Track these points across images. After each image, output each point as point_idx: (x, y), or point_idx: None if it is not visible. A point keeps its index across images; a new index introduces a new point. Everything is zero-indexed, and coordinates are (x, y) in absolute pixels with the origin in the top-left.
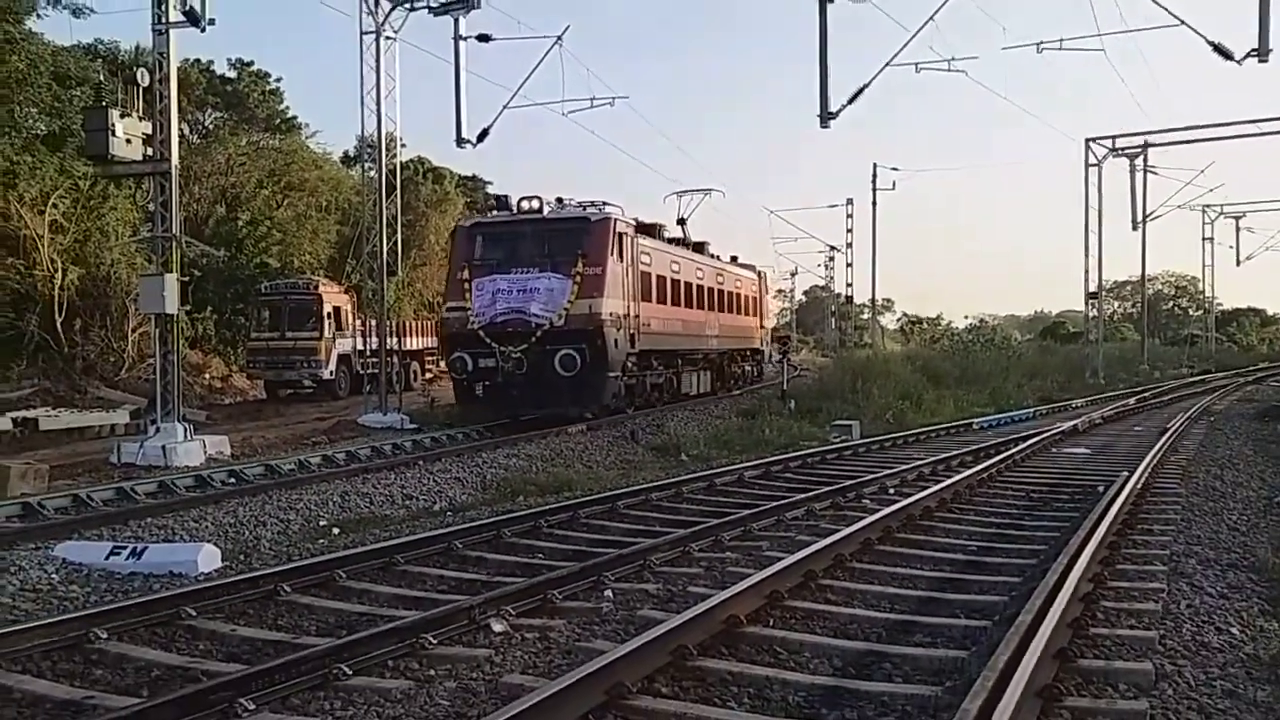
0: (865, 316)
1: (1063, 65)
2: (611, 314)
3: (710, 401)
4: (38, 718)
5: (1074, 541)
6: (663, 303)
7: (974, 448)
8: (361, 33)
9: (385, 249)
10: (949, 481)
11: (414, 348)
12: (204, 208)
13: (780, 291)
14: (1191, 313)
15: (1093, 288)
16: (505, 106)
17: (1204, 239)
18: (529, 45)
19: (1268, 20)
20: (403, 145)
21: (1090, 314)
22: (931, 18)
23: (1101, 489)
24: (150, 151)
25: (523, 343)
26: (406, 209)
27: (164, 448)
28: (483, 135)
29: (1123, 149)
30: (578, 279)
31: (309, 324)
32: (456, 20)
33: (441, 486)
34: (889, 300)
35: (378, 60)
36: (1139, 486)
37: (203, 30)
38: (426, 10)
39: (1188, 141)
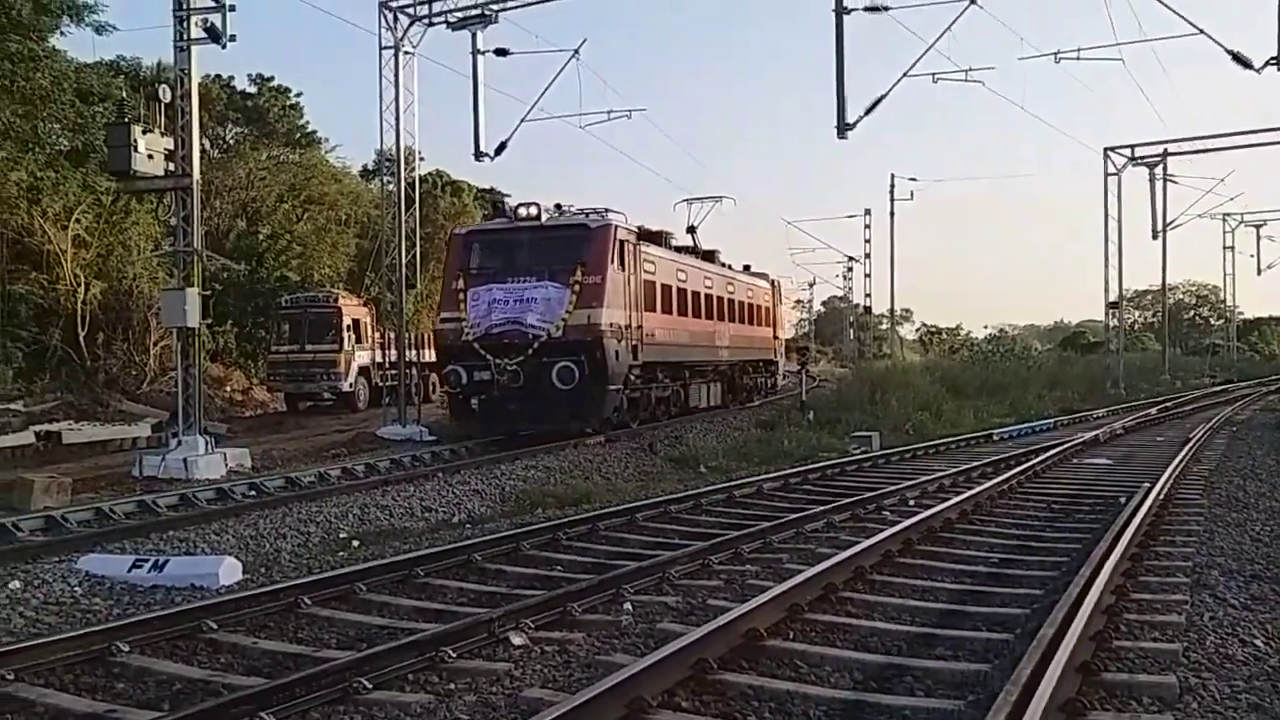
0: (884, 327)
1: (1081, 75)
2: (612, 324)
3: (725, 414)
4: None
5: (1096, 553)
6: (668, 312)
7: (994, 459)
8: (381, 48)
9: (404, 262)
10: (970, 493)
11: (433, 360)
12: (225, 222)
13: (799, 302)
14: (1213, 322)
15: (1113, 297)
16: (523, 120)
17: (1225, 248)
18: (546, 59)
19: None
20: (421, 159)
21: (1111, 324)
22: (948, 28)
23: (1123, 500)
24: (172, 167)
25: (519, 355)
26: (425, 222)
27: (185, 460)
28: (501, 148)
29: (1142, 158)
30: (576, 288)
31: (328, 337)
32: (474, 35)
33: (460, 499)
34: (908, 310)
35: (396, 75)
36: (1161, 497)
37: (223, 47)
38: (445, 25)
39: (1207, 150)
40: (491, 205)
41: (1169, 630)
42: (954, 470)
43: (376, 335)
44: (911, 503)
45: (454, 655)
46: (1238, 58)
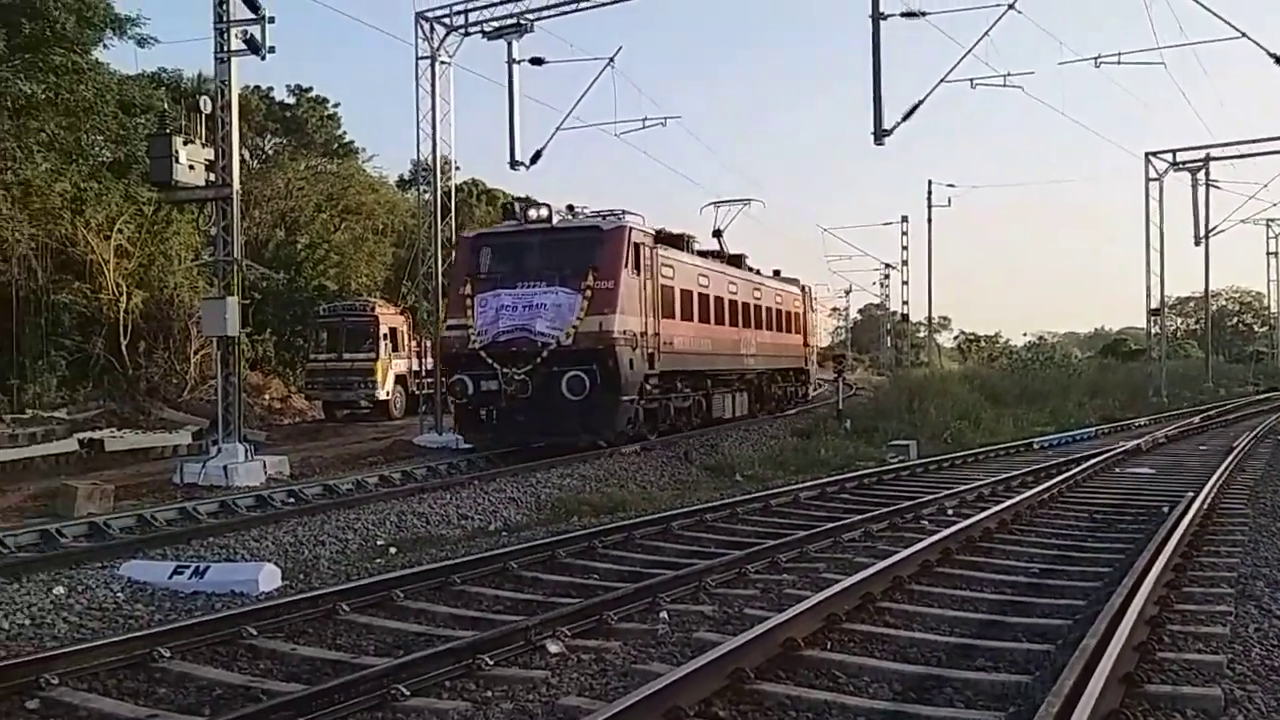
0: (922, 335)
1: (1121, 79)
2: (625, 332)
3: (760, 423)
4: None
5: (1139, 563)
6: (688, 319)
7: (1034, 468)
8: (417, 58)
9: (440, 270)
10: (1009, 502)
11: None
12: (264, 231)
13: (835, 310)
14: (1256, 329)
15: (1154, 304)
16: (558, 128)
17: (1268, 254)
18: (581, 68)
19: None
20: (457, 168)
21: (1152, 331)
22: (986, 33)
23: (1166, 510)
24: (212, 177)
25: (527, 363)
26: (461, 231)
27: (225, 468)
28: (536, 157)
29: (1184, 163)
30: (588, 294)
31: (365, 345)
32: (510, 44)
33: (496, 506)
34: (946, 318)
35: (433, 85)
36: (1204, 507)
37: (263, 58)
38: (480, 35)
39: (1250, 155)
40: (502, 209)
41: (1213, 641)
42: (993, 479)
43: (413, 344)
44: (950, 512)
45: (491, 663)
46: None
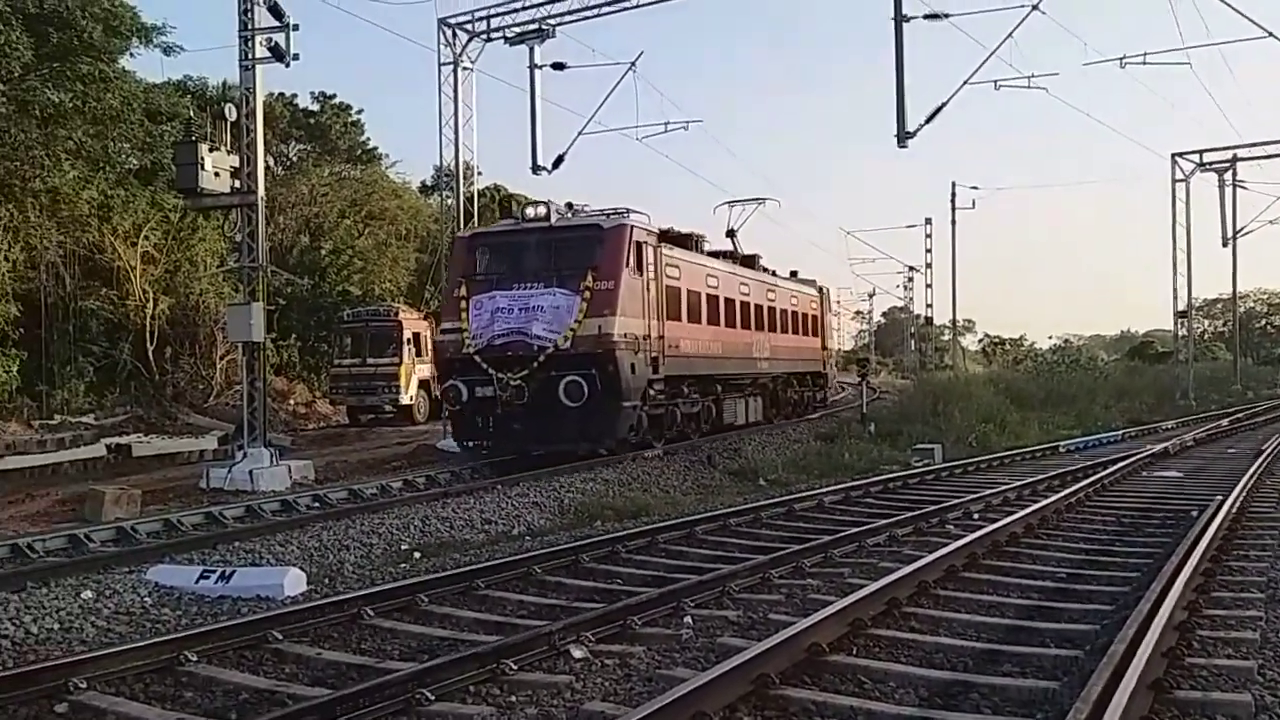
0: (946, 338)
1: (1147, 79)
2: (626, 335)
3: (783, 427)
4: None
5: (1167, 568)
6: (696, 321)
7: (1061, 471)
8: (440, 64)
9: None
10: (1036, 506)
11: None
12: (288, 237)
13: (858, 313)
14: None
15: (1181, 306)
16: (580, 133)
17: None
18: (603, 72)
19: None
20: (479, 173)
21: (1180, 333)
22: (1010, 34)
23: (1195, 514)
24: (237, 184)
25: (524, 368)
26: None
27: (251, 473)
28: (558, 162)
29: (1210, 164)
30: (587, 295)
31: (389, 350)
32: (532, 49)
33: (519, 511)
34: (970, 321)
35: (455, 90)
36: (1234, 511)
37: (287, 66)
38: (503, 41)
39: (1278, 155)
40: (499, 206)
41: (1243, 647)
42: (1019, 483)
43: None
44: (976, 516)
45: (515, 667)
46: None
